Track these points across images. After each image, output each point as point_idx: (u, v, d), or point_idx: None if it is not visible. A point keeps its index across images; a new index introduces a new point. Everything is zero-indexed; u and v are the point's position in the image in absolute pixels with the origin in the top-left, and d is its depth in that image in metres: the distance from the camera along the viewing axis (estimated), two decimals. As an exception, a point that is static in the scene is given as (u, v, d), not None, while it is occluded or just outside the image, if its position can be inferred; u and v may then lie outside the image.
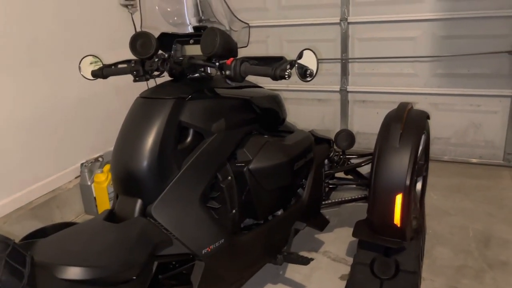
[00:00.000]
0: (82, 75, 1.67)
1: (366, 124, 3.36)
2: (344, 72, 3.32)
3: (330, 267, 2.02)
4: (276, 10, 3.40)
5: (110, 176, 2.56)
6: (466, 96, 3.03)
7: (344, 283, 1.84)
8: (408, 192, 1.69)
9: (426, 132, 1.98)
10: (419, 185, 2.14)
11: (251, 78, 1.64)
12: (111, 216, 1.34)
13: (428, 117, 2.01)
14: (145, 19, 1.69)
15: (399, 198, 1.69)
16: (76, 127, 2.69)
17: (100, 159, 2.74)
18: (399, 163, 1.71)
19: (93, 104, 2.79)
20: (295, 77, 1.32)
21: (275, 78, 1.30)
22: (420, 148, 1.85)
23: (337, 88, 3.38)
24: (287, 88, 3.48)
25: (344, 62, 3.29)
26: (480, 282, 1.85)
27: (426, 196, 2.32)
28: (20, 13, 2.30)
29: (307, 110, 3.55)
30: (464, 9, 2.84)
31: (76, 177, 2.69)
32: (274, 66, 1.31)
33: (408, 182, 1.68)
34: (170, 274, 1.42)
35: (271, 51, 3.47)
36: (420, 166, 1.99)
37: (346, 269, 1.96)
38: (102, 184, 2.56)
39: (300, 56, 1.32)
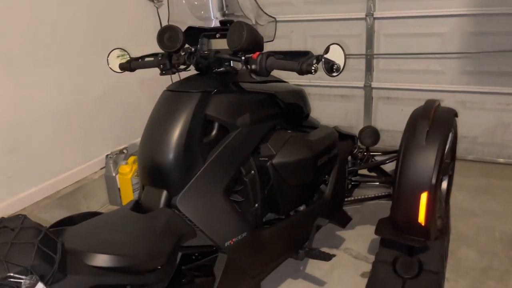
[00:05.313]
0: (110, 68, 1.69)
1: (390, 121, 3.31)
2: (369, 68, 3.28)
3: (351, 265, 2.01)
4: (301, 5, 3.37)
5: (134, 168, 2.61)
6: (495, 94, 2.94)
7: (365, 280, 1.83)
8: (434, 191, 1.66)
9: (453, 130, 1.93)
10: (444, 184, 2.10)
11: (275, 73, 1.63)
12: (137, 206, 1.36)
13: (456, 114, 1.96)
14: (172, 13, 1.70)
15: (424, 197, 1.66)
16: (102, 120, 2.74)
17: (125, 151, 2.78)
18: (425, 161, 1.68)
19: (119, 97, 2.84)
20: (318, 72, 1.31)
21: (301, 72, 1.30)
22: (447, 146, 1.82)
23: (361, 84, 3.34)
24: (310, 84, 3.45)
25: (369, 58, 3.25)
26: (505, 285, 1.81)
27: (451, 196, 2.27)
28: (49, 8, 2.35)
29: (330, 106, 3.52)
30: (494, 4, 2.75)
31: (102, 168, 2.75)
32: (301, 60, 1.30)
33: (434, 181, 1.65)
34: (193, 265, 1.44)
35: (295, 46, 3.45)
36: (446, 165, 1.96)
37: (368, 267, 1.94)
38: (127, 175, 2.61)
39: (327, 50, 1.30)
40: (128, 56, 1.70)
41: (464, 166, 2.93)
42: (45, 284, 0.90)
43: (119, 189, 2.66)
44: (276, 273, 1.73)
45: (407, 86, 3.19)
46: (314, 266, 1.98)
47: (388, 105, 3.32)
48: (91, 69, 2.60)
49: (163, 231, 1.23)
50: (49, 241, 0.97)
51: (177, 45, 1.49)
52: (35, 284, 0.86)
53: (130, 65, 1.66)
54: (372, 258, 1.95)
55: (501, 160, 3.04)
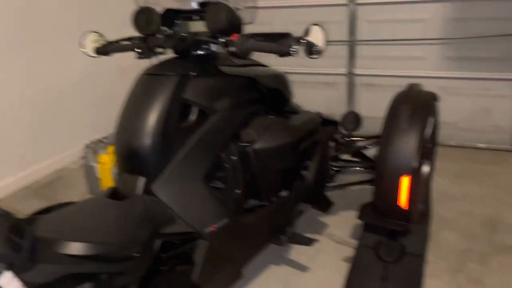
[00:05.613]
0: (85, 52, 1.63)
1: (373, 108, 3.28)
2: (352, 55, 3.26)
3: (334, 250, 2.01)
4: (283, -9, 3.33)
5: (114, 157, 2.55)
6: (475, 80, 2.97)
7: (348, 265, 1.83)
8: (415, 175, 1.67)
9: (434, 114, 1.94)
10: (425, 168, 2.10)
11: (257, 57, 1.60)
12: (114, 193, 1.32)
13: (437, 98, 1.96)
14: (148, -6, 1.65)
15: (405, 181, 1.66)
16: (81, 108, 2.68)
17: (104, 140, 2.72)
18: (407, 145, 1.68)
19: (98, 85, 2.77)
20: (302, 60, 1.29)
21: (281, 54, 1.28)
22: (428, 130, 1.82)
23: (344, 71, 3.33)
24: (293, 71, 3.41)
25: (352, 45, 3.23)
26: (486, 266, 1.84)
27: (433, 181, 2.29)
28: (22, -10, 2.27)
29: (314, 94, 3.49)
30: (475, -10, 2.76)
31: (81, 158, 2.68)
32: (280, 42, 1.28)
33: (415, 164, 1.65)
34: (173, 252, 1.41)
35: (277, 32, 3.41)
36: (427, 149, 1.96)
37: (351, 252, 1.95)
38: (106, 165, 2.54)
39: (307, 32, 1.28)
40: (103, 40, 1.64)
41: (445, 151, 2.95)
42: (14, 273, 0.86)
43: (99, 178, 2.60)
44: (258, 259, 1.72)
45: (390, 73, 3.19)
46: (297, 252, 1.97)
47: (371, 92, 3.32)
48: (69, 55, 2.52)
49: (139, 218, 1.20)
50: (18, 230, 0.93)
51: (153, 28, 1.45)
52: (1, 273, 0.82)
53: (105, 49, 1.60)
54: (355, 243, 1.95)
55: (481, 145, 3.08)
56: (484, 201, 2.35)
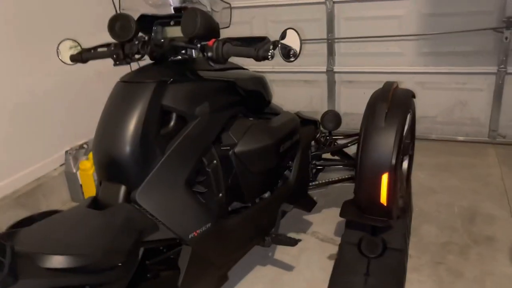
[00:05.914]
0: (61, 60, 1.62)
1: (353, 105, 3.35)
2: (331, 53, 3.29)
3: (318, 248, 2.04)
4: (261, -10, 3.33)
5: (95, 163, 2.53)
6: (451, 74, 3.03)
7: (332, 262, 1.86)
8: (394, 171, 1.70)
9: (411, 110, 1.98)
10: (405, 164, 2.15)
11: (236, 60, 1.61)
12: (95, 203, 1.31)
13: (413, 95, 2.00)
14: (124, 0, 1.64)
15: (385, 178, 1.69)
16: (60, 114, 2.63)
17: (85, 146, 2.70)
18: (385, 142, 1.71)
19: (77, 90, 2.73)
20: (280, 59, 1.31)
21: (258, 59, 1.29)
22: (406, 127, 1.86)
23: (324, 68, 3.35)
24: (273, 70, 3.44)
25: (330, 42, 3.26)
26: (465, 258, 1.89)
27: (413, 175, 2.34)
28: (-6, -4, 2.22)
29: (295, 92, 3.52)
30: (448, -14, 2.82)
31: (61, 165, 2.65)
32: (257, 46, 1.29)
33: (394, 161, 1.68)
34: (158, 259, 1.41)
35: (256, 31, 3.42)
36: (406, 145, 2.00)
37: (334, 249, 1.98)
38: (88, 171, 2.53)
39: (283, 36, 1.30)
40: (79, 47, 1.63)
41: (424, 145, 3.02)
42: (-6, 290, 0.86)
43: (80, 185, 2.58)
44: (244, 261, 1.73)
45: (368, 69, 3.24)
46: (281, 252, 1.99)
47: (351, 88, 3.36)
48: (48, 60, 2.46)
49: (122, 226, 1.19)
50: (-1, 247, 0.92)
51: (129, 34, 1.44)
52: (-19, 292, 0.82)
53: (81, 57, 1.59)
54: (338, 240, 1.98)
55: (459, 138, 3.15)
56: (462, 193, 2.41)
